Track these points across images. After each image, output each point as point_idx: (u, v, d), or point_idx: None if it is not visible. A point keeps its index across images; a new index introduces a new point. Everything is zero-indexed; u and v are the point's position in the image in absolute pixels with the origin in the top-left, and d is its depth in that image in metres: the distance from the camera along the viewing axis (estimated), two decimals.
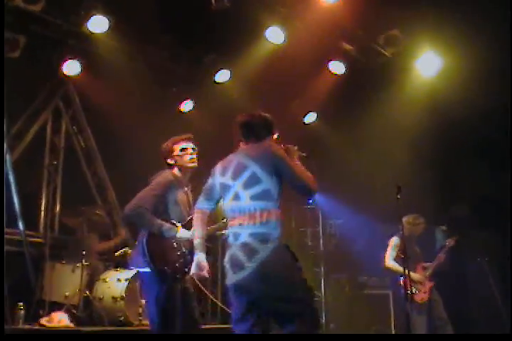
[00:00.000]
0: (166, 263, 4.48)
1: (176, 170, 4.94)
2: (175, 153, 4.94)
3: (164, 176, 4.84)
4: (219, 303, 8.54)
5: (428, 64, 8.09)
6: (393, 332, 7.93)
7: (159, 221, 4.56)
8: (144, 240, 4.50)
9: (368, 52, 8.37)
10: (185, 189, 4.94)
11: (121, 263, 7.39)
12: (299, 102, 9.69)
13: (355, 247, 9.02)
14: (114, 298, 6.89)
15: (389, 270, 7.15)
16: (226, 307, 8.22)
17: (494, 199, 8.72)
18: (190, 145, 4.98)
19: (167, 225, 4.58)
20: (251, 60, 8.30)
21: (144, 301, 6.94)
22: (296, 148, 4.31)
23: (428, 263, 7.34)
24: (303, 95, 9.36)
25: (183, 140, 4.98)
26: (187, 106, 9.15)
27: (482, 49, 7.36)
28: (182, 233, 4.63)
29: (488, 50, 7.37)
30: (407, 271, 7.14)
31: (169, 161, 4.97)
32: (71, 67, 7.94)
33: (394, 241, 7.37)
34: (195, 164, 4.94)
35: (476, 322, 8.05)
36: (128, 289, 6.94)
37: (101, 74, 8.09)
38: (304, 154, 4.34)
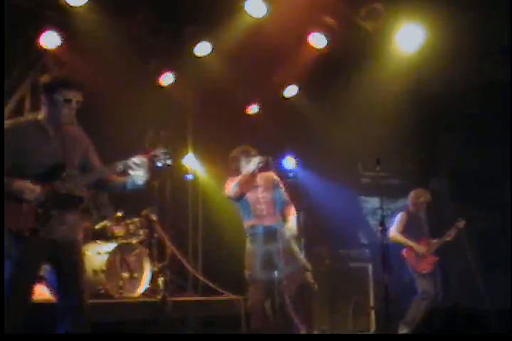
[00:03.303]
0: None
1: (41, 114, 3.96)
2: (55, 97, 3.82)
3: (7, 122, 3.92)
4: (199, 277, 8.57)
5: (410, 38, 8.02)
6: (371, 304, 8.06)
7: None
8: None
9: (350, 26, 8.31)
10: (52, 133, 4.02)
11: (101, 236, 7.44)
12: (280, 76, 9.62)
13: (336, 221, 9.07)
14: (95, 271, 6.88)
15: (394, 242, 7.22)
16: (207, 281, 8.26)
17: (473, 172, 8.80)
18: (77, 97, 3.84)
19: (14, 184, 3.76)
20: (232, 33, 8.19)
21: (125, 274, 7.01)
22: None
23: (435, 240, 7.41)
24: (284, 69, 9.30)
25: (76, 87, 3.87)
26: (167, 79, 9.05)
27: (466, 23, 7.35)
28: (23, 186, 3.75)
29: (472, 25, 7.35)
30: (411, 243, 7.28)
31: (42, 98, 3.89)
32: (49, 40, 7.79)
33: (399, 216, 7.49)
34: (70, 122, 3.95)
35: (455, 298, 8.15)
36: (108, 262, 6.95)
37: (79, 48, 7.95)
38: None
